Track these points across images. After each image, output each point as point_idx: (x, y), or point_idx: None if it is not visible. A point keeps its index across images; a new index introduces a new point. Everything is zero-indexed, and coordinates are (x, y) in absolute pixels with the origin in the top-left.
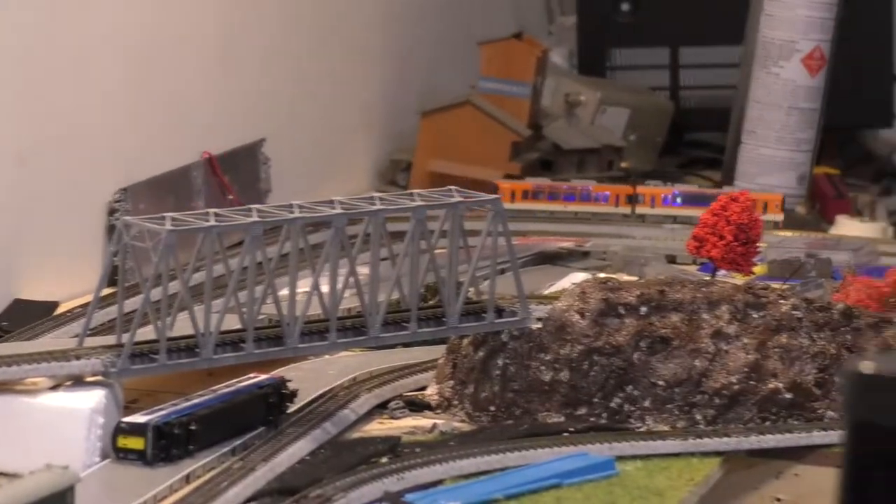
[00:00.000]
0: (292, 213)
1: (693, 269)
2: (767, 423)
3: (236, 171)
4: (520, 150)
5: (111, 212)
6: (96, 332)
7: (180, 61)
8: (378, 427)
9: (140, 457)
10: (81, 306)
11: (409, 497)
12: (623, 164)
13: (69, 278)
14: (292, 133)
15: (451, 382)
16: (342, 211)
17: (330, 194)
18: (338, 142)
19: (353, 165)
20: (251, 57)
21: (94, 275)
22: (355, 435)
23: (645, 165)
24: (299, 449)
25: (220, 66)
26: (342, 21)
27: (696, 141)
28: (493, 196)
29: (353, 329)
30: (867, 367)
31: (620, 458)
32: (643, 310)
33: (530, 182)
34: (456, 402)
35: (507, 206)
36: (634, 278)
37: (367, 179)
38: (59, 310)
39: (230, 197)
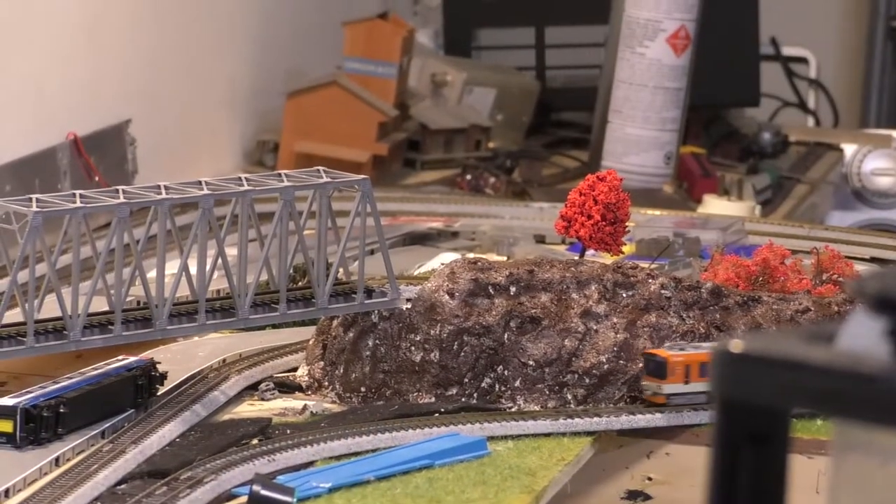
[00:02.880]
0: (160, 194)
1: (562, 248)
2: (637, 403)
3: (102, 153)
4: (387, 131)
5: None
6: None
7: (43, 40)
8: (248, 409)
9: (8, 440)
10: None
11: (280, 479)
12: (490, 145)
13: None
14: (158, 114)
15: (322, 363)
16: (209, 192)
17: (197, 175)
18: (204, 122)
19: (219, 146)
20: (116, 36)
21: None
22: (225, 417)
23: (512, 145)
24: (169, 431)
25: (85, 46)
26: (210, 2)
27: (562, 121)
28: (361, 176)
29: (221, 311)
30: (736, 346)
31: (492, 438)
32: (512, 290)
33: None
34: (326, 384)
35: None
36: (503, 258)
37: (234, 160)
38: None
39: (96, 178)
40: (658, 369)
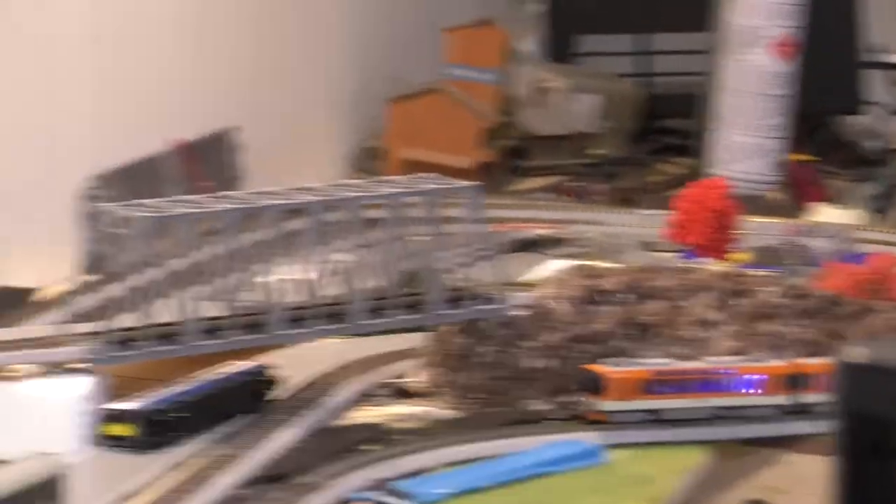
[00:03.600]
0: (269, 200)
1: (670, 255)
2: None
3: (209, 159)
4: (491, 137)
5: (87, 198)
6: (77, 319)
7: (154, 50)
8: (363, 414)
9: (128, 444)
10: (59, 293)
11: (397, 484)
12: (595, 151)
13: (47, 265)
14: (264, 121)
15: (437, 370)
16: (319, 198)
17: (301, 181)
18: (309, 129)
19: (324, 152)
20: (224, 46)
21: (70, 261)
22: (341, 422)
23: (616, 152)
24: (285, 436)
25: (194, 55)
26: (311, 10)
27: (666, 128)
28: (470, 183)
29: (333, 316)
30: (859, 356)
31: (608, 445)
32: (623, 297)
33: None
34: (442, 390)
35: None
36: (611, 265)
37: (338, 166)
38: (38, 296)
39: (203, 184)
40: (593, 385)
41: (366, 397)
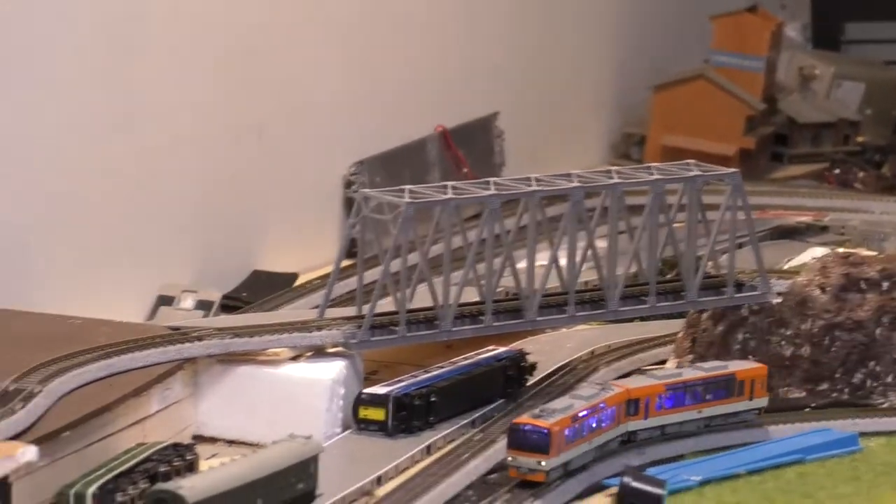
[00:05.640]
0: (530, 186)
1: None
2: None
3: (470, 145)
4: (754, 125)
5: (347, 184)
6: (335, 303)
7: (416, 38)
8: None
9: (381, 427)
10: (320, 278)
11: (650, 471)
12: (859, 139)
13: (307, 250)
14: (525, 107)
15: (691, 357)
16: (580, 184)
17: (562, 168)
18: (569, 115)
19: (585, 139)
20: (486, 32)
21: (331, 247)
22: None
23: (881, 140)
24: None
25: (456, 42)
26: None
27: None
28: (732, 170)
29: (591, 302)
30: None
31: (864, 434)
32: (885, 285)
33: None
34: None
35: None
36: (874, 253)
37: (599, 153)
38: (298, 281)
39: (464, 170)
40: (538, 443)
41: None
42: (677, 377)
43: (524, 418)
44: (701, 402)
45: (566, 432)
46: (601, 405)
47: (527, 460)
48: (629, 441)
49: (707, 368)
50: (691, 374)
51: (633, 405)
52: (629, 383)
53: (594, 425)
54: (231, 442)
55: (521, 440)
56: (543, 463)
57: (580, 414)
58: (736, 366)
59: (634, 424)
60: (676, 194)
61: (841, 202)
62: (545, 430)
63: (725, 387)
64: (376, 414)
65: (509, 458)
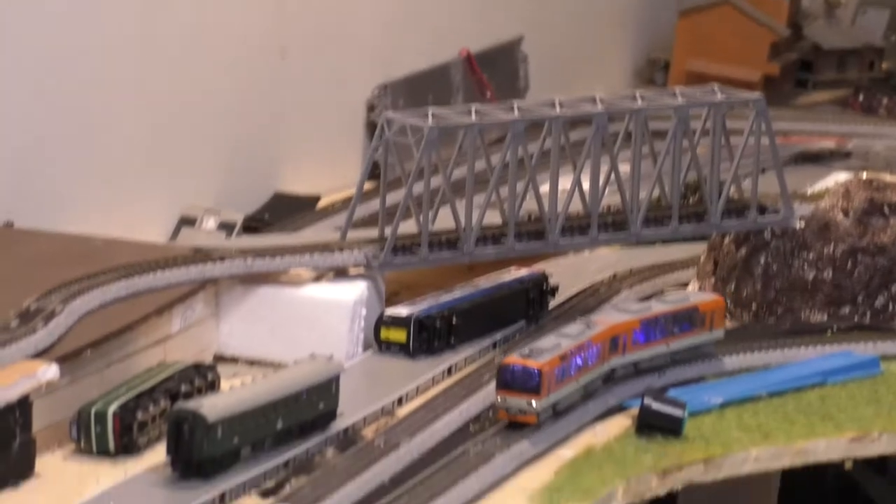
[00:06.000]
0: (554, 109)
1: None
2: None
3: (494, 69)
4: (779, 50)
5: (370, 108)
6: (358, 225)
7: None
8: None
9: (402, 349)
10: (342, 200)
11: (671, 393)
12: (883, 66)
13: (329, 173)
14: (549, 31)
15: (713, 280)
16: (604, 109)
17: (586, 92)
18: (594, 39)
19: (609, 63)
20: None
21: (353, 169)
22: None
23: None
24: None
25: None
26: None
27: None
28: (756, 94)
29: (613, 225)
30: None
31: (885, 357)
32: None
33: None
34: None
35: None
36: None
37: (623, 77)
38: (320, 204)
39: (488, 94)
40: (529, 383)
41: None
42: (648, 311)
43: (513, 358)
44: (668, 336)
45: (556, 371)
46: (588, 343)
47: (517, 401)
48: (609, 379)
49: (672, 301)
50: (660, 307)
51: (615, 342)
52: (605, 318)
53: (580, 364)
54: (252, 362)
55: (511, 380)
56: (535, 404)
57: (569, 352)
58: (697, 298)
59: (615, 361)
60: (700, 119)
61: (865, 128)
62: (536, 370)
63: (689, 319)
64: (398, 335)
65: (498, 399)
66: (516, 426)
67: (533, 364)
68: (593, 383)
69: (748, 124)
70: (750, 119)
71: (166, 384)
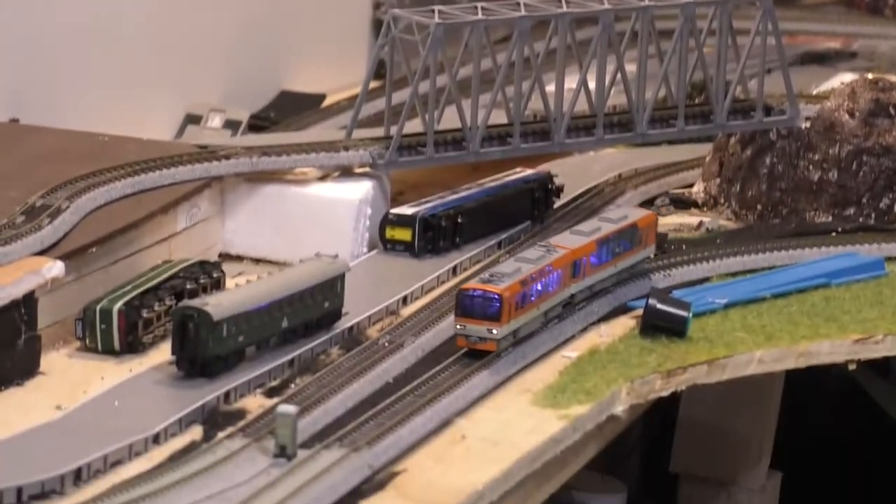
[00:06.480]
0: (560, 7)
1: None
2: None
3: None
4: None
5: (376, 5)
6: (363, 124)
7: None
8: None
9: (407, 248)
10: (348, 99)
11: (676, 293)
12: None
13: (335, 71)
14: None
15: (718, 180)
16: (611, 6)
17: None
18: None
19: None
20: None
21: (359, 68)
22: None
23: None
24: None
25: None
26: None
27: None
28: None
29: (619, 125)
30: None
31: (889, 258)
32: None
33: None
34: (722, 200)
35: None
36: None
37: None
38: (326, 102)
39: None
40: (490, 309)
41: (646, 207)
42: (600, 232)
43: (473, 283)
44: (615, 257)
45: (516, 298)
46: (548, 268)
47: (477, 328)
48: (569, 304)
49: (615, 220)
50: (608, 227)
51: (576, 266)
52: (564, 242)
53: (540, 290)
54: (257, 260)
55: (471, 307)
56: (495, 331)
57: (529, 278)
58: (635, 215)
59: (575, 287)
60: (706, 18)
61: (870, 28)
62: (496, 296)
63: (630, 238)
64: (403, 234)
65: (458, 327)
66: None
67: (493, 290)
68: (553, 310)
69: (754, 24)
70: (756, 18)
71: (171, 282)
